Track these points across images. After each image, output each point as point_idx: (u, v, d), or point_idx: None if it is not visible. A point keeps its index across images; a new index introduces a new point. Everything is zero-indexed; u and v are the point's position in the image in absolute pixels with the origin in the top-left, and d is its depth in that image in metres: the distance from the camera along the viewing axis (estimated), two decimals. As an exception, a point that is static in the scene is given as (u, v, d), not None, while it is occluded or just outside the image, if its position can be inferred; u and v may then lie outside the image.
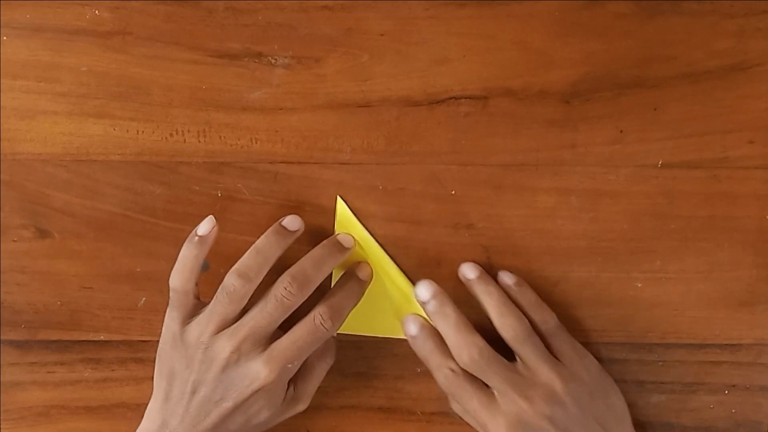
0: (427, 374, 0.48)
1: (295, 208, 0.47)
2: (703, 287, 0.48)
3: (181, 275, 0.44)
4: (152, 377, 0.47)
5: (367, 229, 0.47)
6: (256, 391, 0.42)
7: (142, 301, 0.48)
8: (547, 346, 0.45)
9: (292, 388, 0.45)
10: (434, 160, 0.47)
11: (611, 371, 0.49)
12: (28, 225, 0.47)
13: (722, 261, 0.48)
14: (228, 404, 0.43)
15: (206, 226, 0.44)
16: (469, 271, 0.46)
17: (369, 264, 0.47)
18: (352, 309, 0.45)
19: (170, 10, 0.45)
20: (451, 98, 0.46)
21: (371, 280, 0.47)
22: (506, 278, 0.46)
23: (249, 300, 0.43)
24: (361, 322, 0.48)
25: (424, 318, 0.46)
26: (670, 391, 0.49)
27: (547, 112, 0.46)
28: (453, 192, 0.47)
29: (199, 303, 0.45)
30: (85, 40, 0.45)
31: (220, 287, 0.43)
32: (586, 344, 0.48)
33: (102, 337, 0.48)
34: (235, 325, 0.43)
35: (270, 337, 0.43)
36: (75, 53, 0.45)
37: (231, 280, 0.43)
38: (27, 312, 0.48)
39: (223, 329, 0.43)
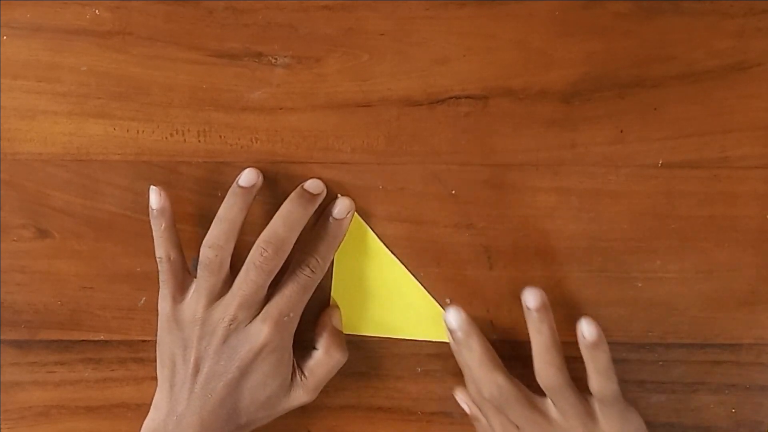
0: (428, 374, 0.49)
1: (295, 208, 0.47)
2: (703, 287, 0.48)
3: (159, 246, 0.44)
4: (153, 377, 0.47)
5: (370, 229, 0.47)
6: (260, 352, 0.43)
7: (142, 301, 0.48)
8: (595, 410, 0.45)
9: (300, 375, 0.45)
10: (434, 160, 0.47)
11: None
12: (28, 225, 0.47)
13: (722, 261, 0.48)
14: (233, 374, 0.43)
15: (155, 197, 0.44)
16: (530, 300, 0.45)
17: (347, 198, 0.46)
18: (333, 251, 0.46)
19: (170, 10, 0.45)
20: (451, 98, 0.46)
21: (350, 214, 0.46)
22: (586, 333, 0.43)
23: (235, 268, 0.44)
24: (367, 322, 0.48)
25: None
26: (670, 390, 0.49)
27: (547, 112, 0.46)
28: (453, 192, 0.47)
29: (188, 276, 0.45)
30: (85, 40, 0.45)
31: (198, 264, 0.44)
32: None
33: (102, 337, 0.48)
34: (225, 296, 0.43)
35: (262, 300, 0.44)
36: (75, 53, 0.45)
37: (204, 253, 0.43)
38: (27, 312, 0.48)
39: (214, 301, 0.43)
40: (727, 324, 0.49)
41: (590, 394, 0.45)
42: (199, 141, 0.46)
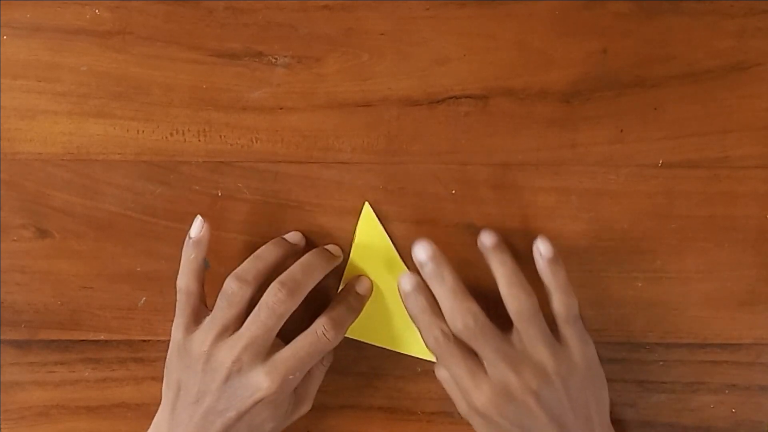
0: (428, 374, 0.49)
1: (295, 208, 0.47)
2: (703, 287, 0.48)
3: (183, 276, 0.44)
4: (152, 377, 0.48)
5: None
6: (258, 402, 0.42)
7: (142, 301, 0.48)
8: (555, 329, 0.44)
9: (294, 394, 0.45)
10: (434, 160, 0.47)
11: (611, 371, 0.49)
12: (28, 225, 0.47)
13: (722, 261, 0.48)
14: (231, 414, 0.42)
15: (197, 227, 0.44)
16: (487, 240, 0.45)
17: (368, 278, 0.47)
18: (352, 322, 0.46)
19: (170, 10, 0.45)
20: (451, 98, 0.46)
21: (370, 294, 0.47)
22: (542, 250, 0.44)
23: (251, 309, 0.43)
24: (370, 330, 0.48)
25: (421, 277, 0.45)
26: (670, 390, 0.49)
27: (548, 112, 0.46)
28: (453, 191, 0.47)
29: (204, 309, 0.45)
30: (85, 40, 0.45)
31: (220, 293, 0.43)
32: (587, 344, 0.48)
33: (102, 337, 0.48)
34: (234, 335, 0.43)
35: (269, 346, 0.43)
36: (75, 53, 0.45)
37: (229, 284, 0.43)
38: (27, 312, 0.48)
39: (224, 337, 0.43)
40: (727, 324, 0.49)
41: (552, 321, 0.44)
42: (200, 141, 0.46)
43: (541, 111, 0.46)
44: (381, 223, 0.47)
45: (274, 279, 0.43)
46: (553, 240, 0.47)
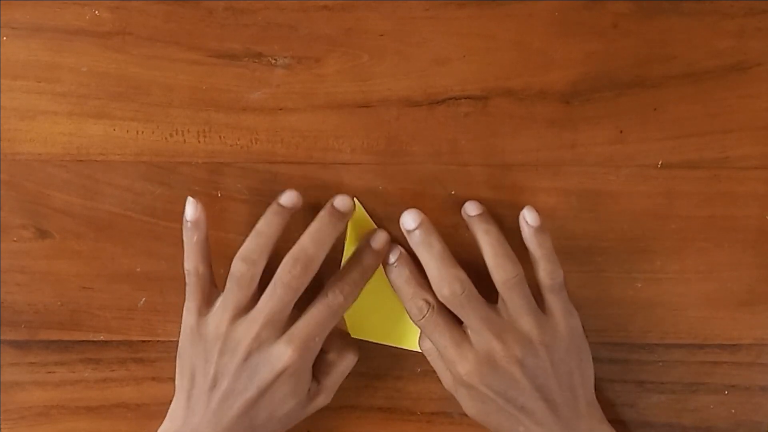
0: (428, 374, 0.49)
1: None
2: (703, 287, 0.48)
3: (189, 258, 0.44)
4: (152, 378, 0.48)
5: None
6: (280, 374, 0.42)
7: (142, 301, 0.48)
8: (540, 298, 0.45)
9: (315, 382, 0.45)
10: (434, 161, 0.47)
11: (611, 371, 0.49)
12: (28, 225, 0.47)
13: (722, 261, 0.48)
14: (252, 393, 0.42)
15: (191, 209, 0.44)
16: (471, 209, 0.45)
17: (384, 232, 0.46)
18: (366, 280, 0.45)
19: (170, 10, 0.45)
20: (451, 98, 0.46)
21: (388, 246, 0.45)
22: (529, 219, 0.44)
23: (262, 283, 0.43)
24: (371, 328, 0.48)
25: (403, 249, 0.45)
26: (670, 391, 0.49)
27: (547, 112, 0.46)
28: (453, 192, 0.47)
29: (215, 290, 0.45)
30: (85, 41, 0.45)
31: (228, 276, 0.43)
32: (586, 344, 0.48)
33: (102, 337, 0.48)
34: (251, 312, 0.43)
35: (286, 320, 0.43)
36: (75, 53, 0.45)
37: (236, 266, 0.43)
38: (27, 312, 0.48)
39: (239, 317, 0.43)
40: (726, 324, 0.49)
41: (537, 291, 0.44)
42: (199, 141, 0.46)
43: (540, 111, 0.46)
44: (378, 222, 0.47)
45: (282, 248, 0.43)
46: (553, 240, 0.47)
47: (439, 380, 0.48)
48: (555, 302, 0.44)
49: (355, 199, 0.46)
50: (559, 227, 0.47)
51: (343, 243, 0.47)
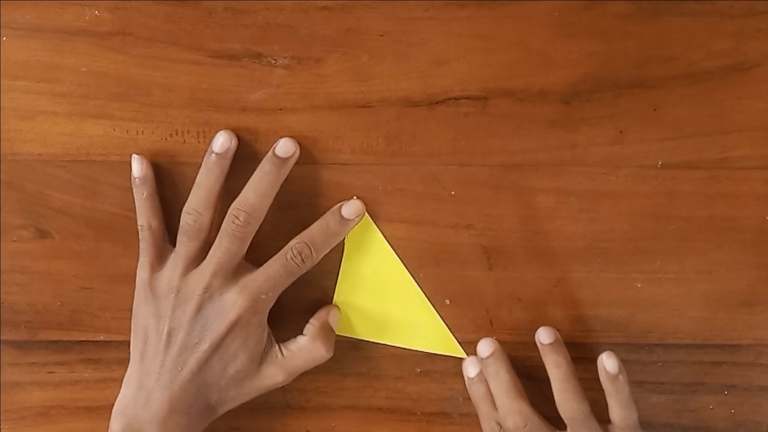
0: (427, 374, 0.49)
1: (294, 209, 0.47)
2: (702, 288, 0.48)
3: (141, 214, 0.45)
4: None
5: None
6: (233, 325, 0.43)
7: (141, 302, 0.48)
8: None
9: (279, 350, 0.45)
10: (434, 161, 0.47)
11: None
12: (28, 225, 0.47)
13: (722, 261, 0.48)
14: (204, 346, 0.43)
15: (137, 166, 0.45)
16: (544, 337, 0.46)
17: (360, 203, 0.46)
18: (329, 246, 0.45)
19: (170, 11, 0.45)
20: (450, 99, 0.46)
21: (359, 219, 0.46)
22: (608, 366, 0.45)
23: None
24: (368, 327, 0.48)
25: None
26: (669, 391, 0.49)
27: (547, 113, 0.46)
28: (453, 192, 0.47)
29: (168, 247, 0.45)
30: (85, 41, 0.45)
31: (178, 230, 0.44)
32: (586, 344, 0.48)
33: (102, 337, 0.48)
34: (201, 265, 0.44)
35: (237, 268, 0.44)
36: (75, 54, 0.45)
37: (183, 219, 0.44)
38: (27, 312, 0.48)
39: (190, 269, 0.44)
40: (726, 325, 0.49)
41: (609, 422, 0.46)
42: (199, 142, 0.46)
43: (540, 112, 0.46)
44: (378, 222, 0.47)
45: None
46: (553, 240, 0.47)
47: (439, 380, 0.48)
48: None
49: (354, 197, 0.46)
50: (559, 227, 0.47)
51: (343, 244, 0.47)
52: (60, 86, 0.46)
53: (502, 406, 0.46)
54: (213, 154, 0.44)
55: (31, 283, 0.48)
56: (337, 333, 0.47)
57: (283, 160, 0.44)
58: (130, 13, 0.45)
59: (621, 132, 0.46)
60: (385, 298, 0.48)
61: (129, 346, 0.47)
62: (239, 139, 0.45)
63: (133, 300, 0.47)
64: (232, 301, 0.43)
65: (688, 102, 0.46)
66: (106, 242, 0.47)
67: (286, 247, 0.44)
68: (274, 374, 0.45)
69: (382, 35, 0.45)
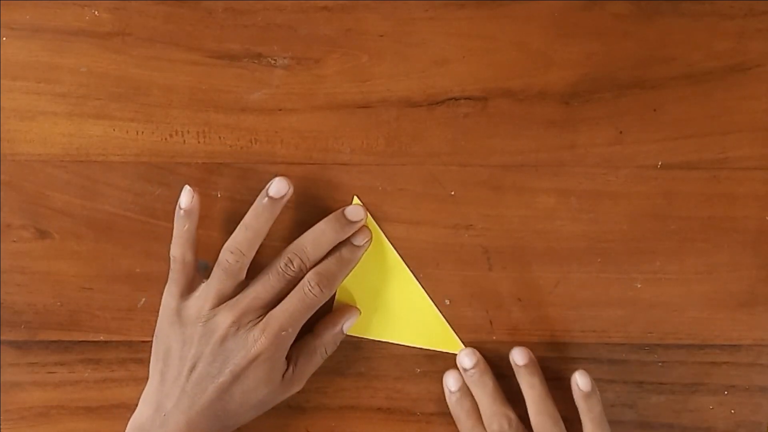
0: (427, 375, 0.49)
1: (293, 209, 0.47)
2: (702, 288, 0.48)
3: (177, 246, 0.44)
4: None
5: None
6: (253, 360, 0.43)
7: (141, 302, 0.48)
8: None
9: (291, 368, 0.45)
10: (434, 161, 0.47)
11: (611, 372, 0.49)
12: (27, 225, 0.47)
13: (722, 262, 0.48)
14: (225, 378, 0.43)
15: (186, 197, 0.44)
16: (518, 357, 0.47)
17: (368, 228, 0.47)
18: (344, 275, 0.46)
19: (169, 11, 0.45)
20: (450, 99, 0.46)
21: (368, 244, 0.46)
22: (581, 383, 0.46)
23: (249, 277, 0.44)
24: (370, 326, 0.48)
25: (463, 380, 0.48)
26: (669, 391, 0.49)
27: (547, 113, 0.46)
28: (452, 193, 0.47)
29: (198, 279, 0.45)
30: (85, 41, 0.45)
31: (215, 264, 0.44)
32: (586, 345, 0.48)
33: (102, 337, 0.48)
34: (235, 298, 0.44)
35: (266, 308, 0.44)
36: (75, 54, 0.45)
37: (224, 256, 0.44)
38: (27, 312, 0.48)
39: (221, 303, 0.44)
40: (726, 325, 0.49)
41: None
42: (199, 142, 0.46)
43: (540, 112, 0.46)
44: (378, 223, 0.47)
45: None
46: (553, 241, 0.47)
47: (439, 380, 0.48)
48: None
49: (355, 197, 0.46)
50: (559, 228, 0.47)
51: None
52: (60, 86, 0.46)
53: (488, 411, 0.46)
54: (266, 198, 0.44)
55: (31, 283, 0.48)
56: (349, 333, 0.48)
57: (350, 223, 0.45)
58: (130, 13, 0.45)
59: (621, 132, 0.46)
60: (386, 295, 0.48)
61: (128, 347, 0.47)
62: (237, 141, 0.45)
63: (132, 300, 0.47)
64: (255, 338, 0.43)
65: (688, 102, 0.46)
66: (106, 242, 0.47)
67: (304, 279, 0.44)
68: (292, 389, 0.46)
69: (381, 35, 0.45)
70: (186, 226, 0.44)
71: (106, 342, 0.48)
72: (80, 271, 0.48)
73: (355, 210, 0.46)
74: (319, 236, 0.45)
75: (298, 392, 0.48)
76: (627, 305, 0.48)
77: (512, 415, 0.46)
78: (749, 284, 0.48)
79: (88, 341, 0.48)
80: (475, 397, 0.47)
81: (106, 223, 0.47)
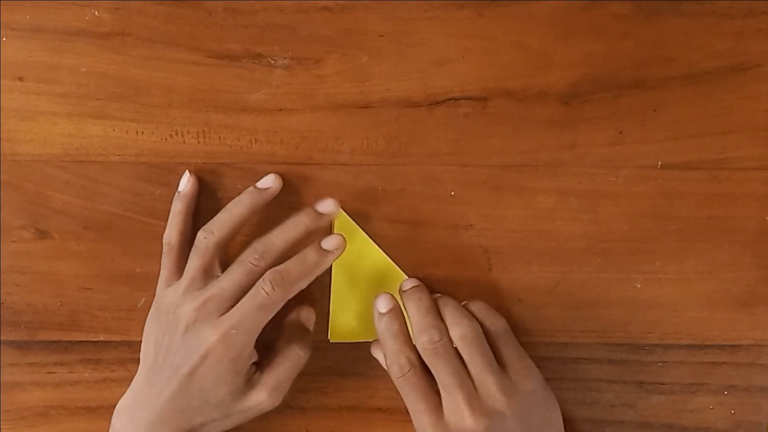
0: (427, 375, 0.49)
1: (294, 209, 0.47)
2: (702, 288, 0.48)
3: (167, 229, 0.45)
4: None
5: (365, 230, 0.47)
6: (205, 358, 0.42)
7: (141, 302, 0.48)
8: (494, 351, 0.45)
9: (257, 371, 0.44)
10: (434, 161, 0.47)
11: (611, 372, 0.49)
12: (27, 226, 0.47)
13: (722, 262, 0.48)
14: (184, 370, 0.43)
15: (184, 181, 0.45)
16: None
17: (340, 235, 0.45)
18: (306, 279, 0.43)
19: (169, 11, 0.45)
20: (450, 99, 0.46)
21: (340, 251, 0.44)
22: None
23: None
24: (368, 328, 0.48)
25: (399, 301, 0.46)
26: (669, 391, 0.49)
27: (547, 113, 0.46)
28: (452, 193, 0.47)
29: (184, 263, 0.45)
30: (85, 41, 0.45)
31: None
32: (586, 345, 0.48)
33: (102, 337, 0.48)
34: (203, 288, 0.43)
35: (229, 304, 0.43)
36: (75, 54, 0.45)
37: (197, 236, 0.44)
38: (27, 312, 0.48)
39: (193, 289, 0.43)
40: (726, 325, 0.49)
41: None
42: (199, 142, 0.46)
43: (540, 112, 0.46)
44: (378, 223, 0.47)
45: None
46: (553, 241, 0.47)
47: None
48: (508, 351, 0.45)
49: (333, 200, 0.45)
50: (559, 228, 0.47)
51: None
52: (60, 87, 0.46)
53: (418, 323, 0.44)
54: (252, 188, 0.45)
55: (31, 284, 0.48)
56: (342, 340, 0.47)
57: (321, 216, 0.44)
58: (130, 13, 0.45)
59: (621, 132, 0.46)
60: (357, 295, 0.47)
61: (128, 347, 0.48)
62: (237, 141, 0.45)
63: (132, 300, 0.47)
64: (207, 335, 0.42)
65: (687, 102, 0.46)
66: (106, 242, 0.47)
67: (262, 279, 0.42)
68: (261, 397, 0.44)
69: (381, 36, 0.45)
70: (177, 209, 0.45)
71: (105, 342, 0.48)
72: (80, 271, 0.48)
73: (325, 202, 0.44)
74: (287, 227, 0.44)
75: (298, 392, 0.48)
76: (627, 305, 0.48)
77: (443, 327, 0.44)
78: (749, 284, 0.48)
79: (88, 341, 0.48)
80: (409, 313, 0.45)
81: (105, 224, 0.47)
